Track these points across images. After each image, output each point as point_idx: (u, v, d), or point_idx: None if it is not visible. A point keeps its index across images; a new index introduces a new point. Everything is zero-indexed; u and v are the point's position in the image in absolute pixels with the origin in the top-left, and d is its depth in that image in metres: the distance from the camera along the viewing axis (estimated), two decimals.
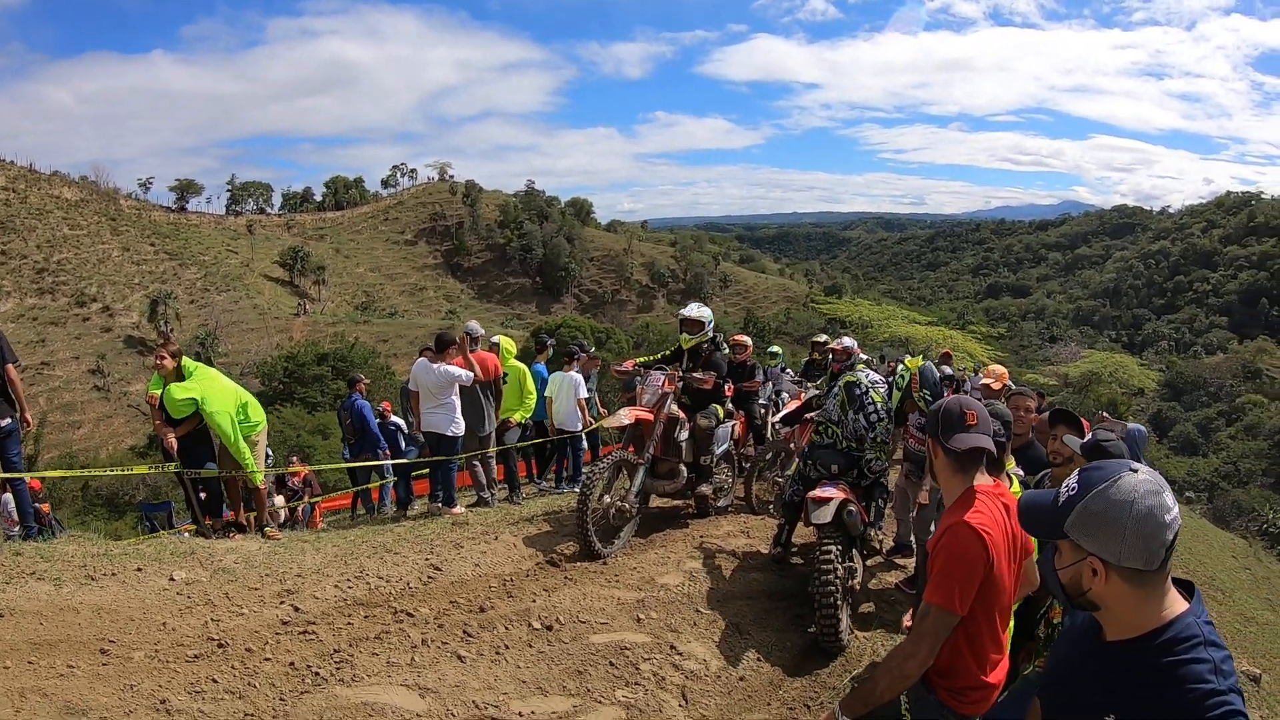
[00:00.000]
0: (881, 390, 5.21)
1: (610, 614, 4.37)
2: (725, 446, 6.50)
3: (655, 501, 6.51)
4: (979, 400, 3.01)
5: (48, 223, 76.07)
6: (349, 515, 11.15)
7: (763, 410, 9.18)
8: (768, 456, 7.53)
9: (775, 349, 13.01)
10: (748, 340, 9.06)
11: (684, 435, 5.91)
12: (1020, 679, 3.10)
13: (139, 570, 4.19)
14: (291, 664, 3.45)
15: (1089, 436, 3.34)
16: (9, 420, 5.43)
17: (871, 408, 5.06)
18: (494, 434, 7.66)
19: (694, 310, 6.28)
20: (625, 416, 5.60)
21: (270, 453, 8.09)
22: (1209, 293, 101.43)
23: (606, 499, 5.34)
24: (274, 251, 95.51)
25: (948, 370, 12.12)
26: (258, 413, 5.97)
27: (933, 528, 3.81)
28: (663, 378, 5.84)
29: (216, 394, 5.61)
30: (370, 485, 10.35)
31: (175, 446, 5.55)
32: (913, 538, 6.03)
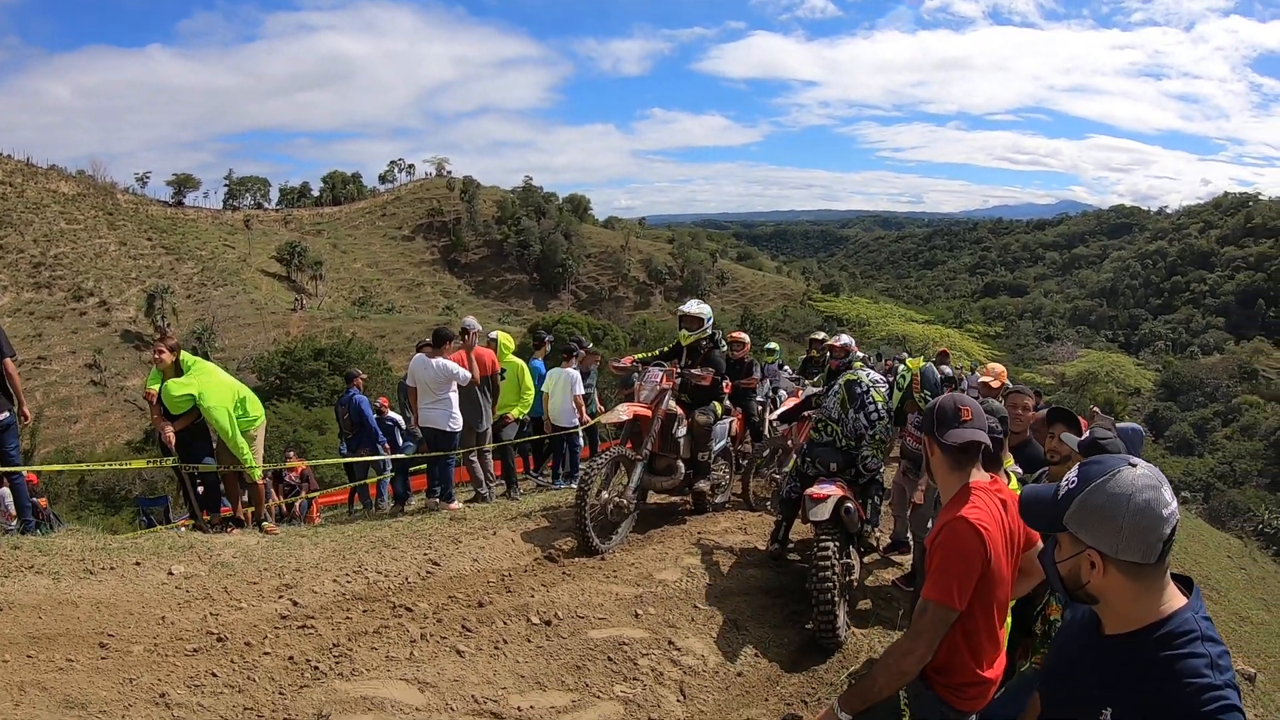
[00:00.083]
0: (882, 389, 5.23)
1: (608, 609, 4.38)
2: (723, 443, 6.51)
3: (653, 498, 6.53)
4: (975, 398, 3.02)
5: (45, 217, 75.75)
6: (346, 511, 11.15)
7: (760, 407, 9.19)
8: (765, 453, 7.55)
9: (772, 346, 13.01)
10: (745, 337, 9.07)
11: (682, 431, 5.92)
12: (1017, 675, 3.11)
13: (137, 564, 4.19)
14: (290, 658, 3.46)
15: (1086, 434, 3.36)
16: (7, 414, 5.43)
17: (872, 406, 5.08)
18: (491, 430, 7.66)
19: (694, 307, 6.28)
20: (623, 412, 5.60)
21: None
22: (1206, 293, 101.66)
23: (604, 495, 5.34)
24: (271, 247, 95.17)
25: (946, 370, 12.13)
26: (256, 407, 5.96)
27: (930, 525, 3.83)
28: (661, 374, 5.84)
29: (214, 389, 5.59)
30: (368, 480, 10.35)
31: (173, 441, 5.54)
32: (909, 535, 6.05)
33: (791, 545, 5.70)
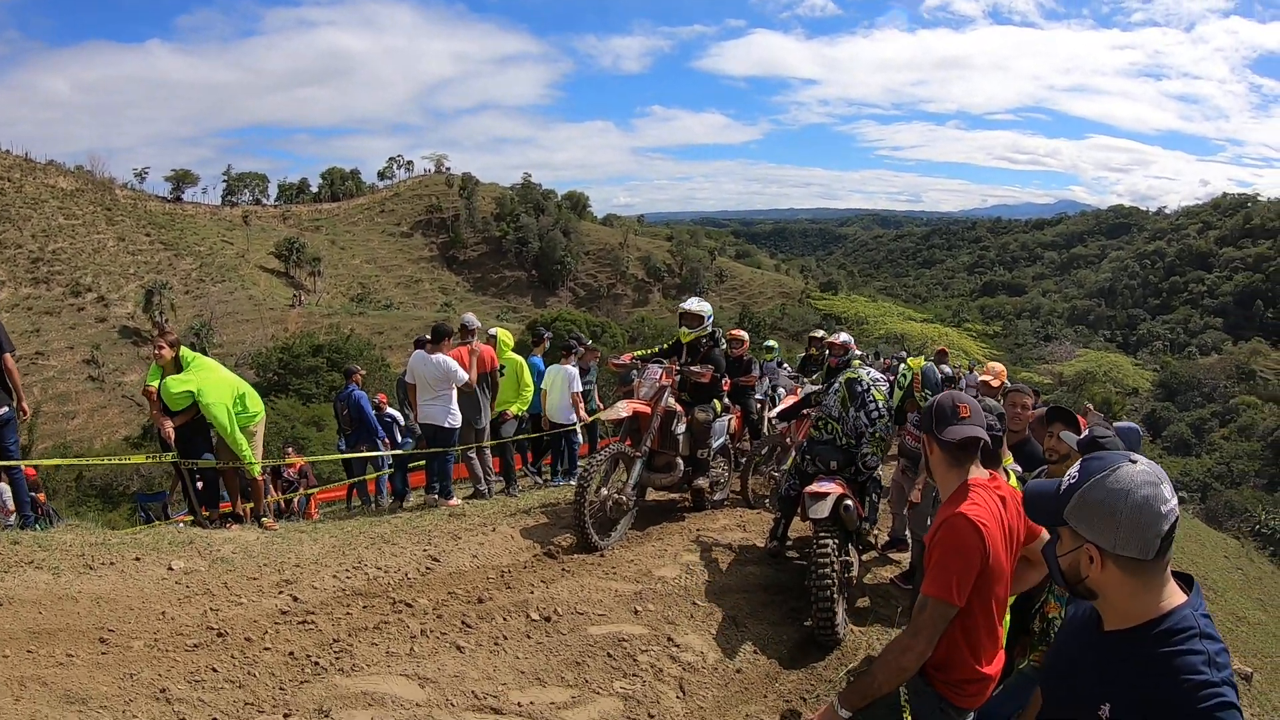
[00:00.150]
0: (883, 388, 5.24)
1: (608, 606, 4.39)
2: (722, 440, 6.52)
3: (652, 495, 6.54)
4: (974, 397, 3.03)
5: (43, 212, 75.53)
6: (344, 507, 11.15)
7: (759, 405, 9.21)
8: (764, 451, 7.56)
9: (771, 344, 13.02)
10: (744, 335, 9.08)
11: (681, 429, 5.92)
12: (1016, 673, 3.13)
13: (137, 560, 4.19)
14: (291, 653, 3.46)
15: (1085, 433, 3.37)
16: (6, 409, 5.43)
17: (873, 405, 5.09)
18: (490, 426, 7.67)
19: (694, 304, 6.28)
20: (623, 409, 5.61)
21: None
22: (1204, 294, 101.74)
23: (603, 491, 5.35)
24: (269, 242, 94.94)
25: (945, 369, 12.16)
26: (256, 403, 5.96)
27: (929, 523, 3.84)
28: (660, 371, 5.84)
29: (213, 385, 5.59)
30: (367, 477, 10.35)
31: (172, 436, 5.54)
32: (908, 533, 6.06)
33: (790, 543, 5.71)
